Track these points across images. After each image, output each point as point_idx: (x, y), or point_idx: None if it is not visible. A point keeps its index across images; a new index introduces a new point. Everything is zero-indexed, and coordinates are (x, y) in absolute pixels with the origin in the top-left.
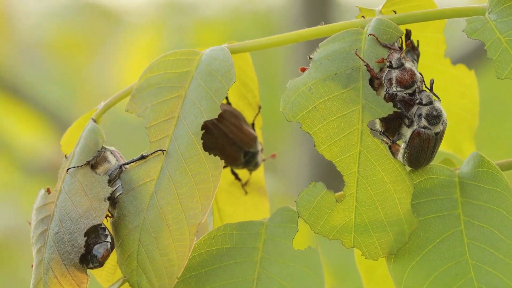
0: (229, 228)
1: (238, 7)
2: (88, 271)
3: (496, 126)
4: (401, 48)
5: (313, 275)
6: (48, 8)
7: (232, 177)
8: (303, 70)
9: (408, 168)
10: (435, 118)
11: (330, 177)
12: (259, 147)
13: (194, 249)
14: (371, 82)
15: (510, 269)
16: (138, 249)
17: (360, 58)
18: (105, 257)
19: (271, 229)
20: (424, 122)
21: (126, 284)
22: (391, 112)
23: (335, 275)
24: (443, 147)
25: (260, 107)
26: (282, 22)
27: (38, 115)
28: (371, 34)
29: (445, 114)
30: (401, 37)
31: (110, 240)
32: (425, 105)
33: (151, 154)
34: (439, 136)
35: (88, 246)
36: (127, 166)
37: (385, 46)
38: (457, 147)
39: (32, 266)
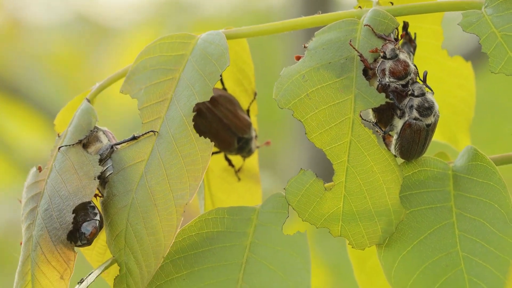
0: (221, 212)
1: (238, 7)
2: (79, 251)
3: (496, 124)
4: (396, 39)
5: (299, 258)
6: (53, 21)
7: (226, 163)
8: (298, 58)
9: (401, 160)
10: (426, 109)
11: (331, 177)
12: (253, 134)
13: (184, 231)
14: (364, 72)
15: (501, 262)
16: (126, 228)
17: (354, 48)
18: (93, 234)
19: (263, 215)
20: (415, 114)
21: (116, 264)
22: (383, 103)
23: (332, 272)
24: (439, 138)
25: (255, 94)
26: None
27: (38, 115)
28: (367, 25)
29: (437, 106)
30: (397, 29)
31: (99, 219)
32: (417, 96)
33: (142, 135)
34: (430, 128)
35: (77, 224)
36: (118, 146)
37: (380, 37)
38: (452, 138)
39: (21, 243)
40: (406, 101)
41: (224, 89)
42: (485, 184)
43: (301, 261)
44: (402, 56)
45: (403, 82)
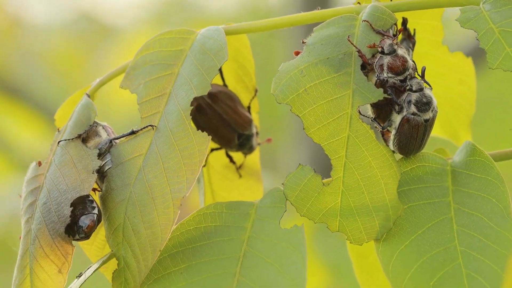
0: (219, 207)
1: (240, 6)
2: (78, 246)
3: (498, 120)
4: (395, 35)
5: (296, 251)
6: (55, 19)
7: (227, 159)
8: (297, 53)
9: (400, 156)
10: (424, 105)
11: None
12: (254, 130)
13: (183, 225)
14: (363, 67)
15: (498, 256)
16: (124, 222)
17: (352, 44)
18: (91, 228)
19: (261, 210)
20: (413, 109)
21: (114, 259)
22: (381, 98)
23: (332, 272)
24: (440, 133)
25: (256, 90)
26: None
27: (38, 115)
28: (365, 21)
29: (435, 101)
30: (396, 24)
31: (97, 212)
32: (415, 91)
33: (141, 129)
34: (429, 123)
35: (75, 217)
36: (117, 140)
37: (378, 32)
38: (453, 134)
39: (20, 237)
40: (404, 96)
41: (225, 85)
42: (483, 179)
43: (297, 254)
44: (400, 51)
45: (401, 78)
